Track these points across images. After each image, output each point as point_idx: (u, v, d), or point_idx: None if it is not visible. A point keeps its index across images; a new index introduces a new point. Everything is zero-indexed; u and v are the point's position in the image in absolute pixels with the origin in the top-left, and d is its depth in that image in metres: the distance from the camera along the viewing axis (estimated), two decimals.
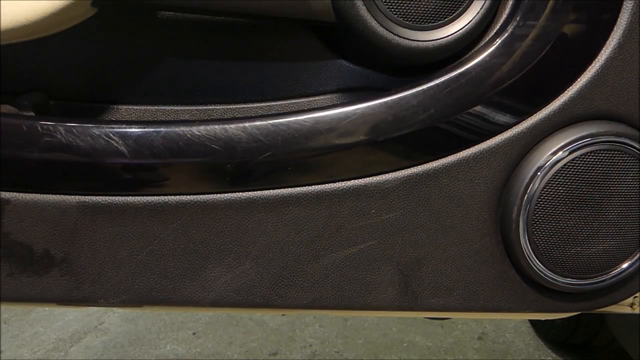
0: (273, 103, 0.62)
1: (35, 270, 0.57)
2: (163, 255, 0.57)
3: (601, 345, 1.87)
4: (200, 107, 0.61)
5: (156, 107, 0.61)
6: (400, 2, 0.52)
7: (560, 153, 0.56)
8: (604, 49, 0.55)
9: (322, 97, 0.62)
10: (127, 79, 0.60)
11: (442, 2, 0.53)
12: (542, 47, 0.54)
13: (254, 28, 0.59)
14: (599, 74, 0.55)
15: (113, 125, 0.53)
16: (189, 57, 0.60)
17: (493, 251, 0.61)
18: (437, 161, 0.57)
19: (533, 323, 2.07)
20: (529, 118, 0.56)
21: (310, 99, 0.62)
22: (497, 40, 0.54)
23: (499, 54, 0.54)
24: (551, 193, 0.57)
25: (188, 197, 0.56)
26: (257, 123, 0.54)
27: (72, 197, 0.55)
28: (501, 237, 0.60)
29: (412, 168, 0.57)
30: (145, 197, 0.55)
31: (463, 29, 0.54)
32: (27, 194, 0.55)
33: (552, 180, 0.56)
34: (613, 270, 0.61)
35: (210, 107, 0.61)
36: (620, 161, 0.57)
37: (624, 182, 0.58)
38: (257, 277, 0.59)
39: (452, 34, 0.54)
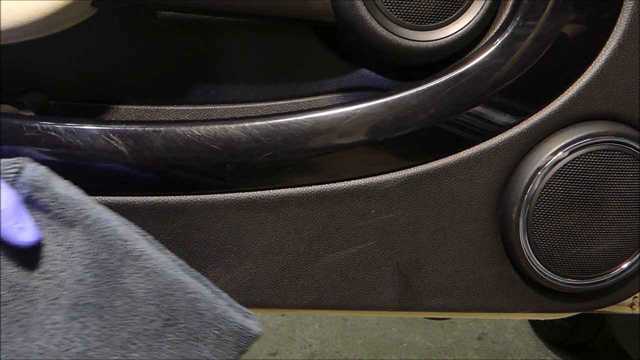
0: (273, 103, 0.62)
1: None
2: None
3: (601, 345, 1.87)
4: (200, 107, 0.61)
5: (156, 107, 0.61)
6: (400, 2, 0.52)
7: (560, 153, 0.56)
8: (604, 49, 0.55)
9: (322, 97, 0.62)
10: (127, 79, 0.60)
11: (442, 2, 0.53)
12: (542, 47, 0.54)
13: (254, 28, 0.59)
14: (599, 74, 0.55)
15: (113, 125, 0.53)
16: (188, 57, 0.60)
17: (493, 251, 0.61)
18: (437, 161, 0.57)
19: (533, 323, 2.07)
20: (529, 118, 0.56)
21: (310, 99, 0.62)
22: (497, 40, 0.54)
23: (499, 54, 0.54)
24: (551, 193, 0.57)
25: (188, 197, 0.56)
26: (257, 123, 0.54)
27: None
28: (501, 237, 0.60)
29: (412, 168, 0.57)
30: (144, 197, 0.55)
31: (463, 29, 0.54)
32: None
33: (552, 181, 0.57)
34: (613, 271, 0.61)
35: (210, 107, 0.62)
36: (620, 161, 0.57)
37: (624, 182, 0.58)
38: (257, 277, 0.59)
39: (452, 34, 0.54)
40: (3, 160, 0.46)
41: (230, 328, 0.50)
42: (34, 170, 0.46)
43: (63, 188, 0.47)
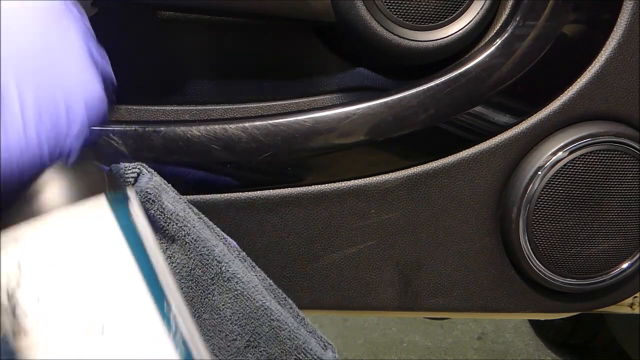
0: (273, 103, 0.62)
1: None
2: None
3: (601, 345, 1.87)
4: (200, 107, 0.61)
5: (156, 107, 0.61)
6: (400, 2, 0.52)
7: (560, 153, 0.56)
8: (604, 49, 0.55)
9: (322, 97, 0.62)
10: (127, 79, 0.60)
11: (442, 2, 0.53)
12: (542, 47, 0.54)
13: (254, 28, 0.59)
14: (599, 74, 0.55)
15: (113, 125, 0.53)
16: (189, 57, 0.60)
17: (493, 251, 0.61)
18: (437, 161, 0.57)
19: (533, 323, 2.07)
20: (529, 118, 0.56)
21: (310, 99, 0.62)
22: (497, 40, 0.54)
23: (499, 54, 0.54)
24: (551, 193, 0.57)
25: (187, 197, 0.56)
26: (257, 123, 0.54)
27: None
28: (501, 237, 0.60)
29: (412, 168, 0.57)
30: None
31: (463, 29, 0.54)
32: None
33: (552, 181, 0.57)
34: (613, 271, 0.61)
35: (210, 107, 0.61)
36: (620, 161, 0.57)
37: (624, 182, 0.58)
38: None
39: (452, 34, 0.54)
40: (125, 164, 0.47)
41: (309, 359, 0.52)
42: (148, 182, 0.47)
43: (171, 203, 0.48)
